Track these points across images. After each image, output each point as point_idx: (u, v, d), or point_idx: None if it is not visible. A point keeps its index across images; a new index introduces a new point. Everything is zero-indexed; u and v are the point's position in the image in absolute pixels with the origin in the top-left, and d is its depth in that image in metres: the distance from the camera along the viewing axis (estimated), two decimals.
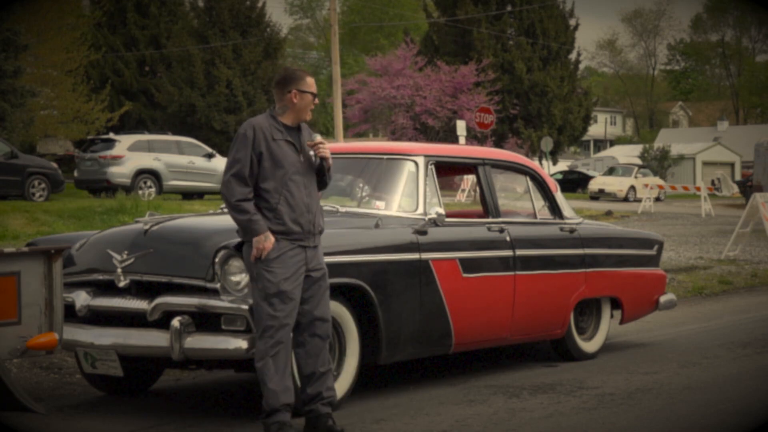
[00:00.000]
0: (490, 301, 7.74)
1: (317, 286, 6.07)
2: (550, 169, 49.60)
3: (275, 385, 5.92)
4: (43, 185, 24.67)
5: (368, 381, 7.41)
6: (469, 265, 7.53)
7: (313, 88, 6.23)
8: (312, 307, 6.04)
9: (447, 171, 8.51)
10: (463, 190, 34.15)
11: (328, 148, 6.19)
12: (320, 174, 6.21)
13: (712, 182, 51.97)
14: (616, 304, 9.07)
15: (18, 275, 5.38)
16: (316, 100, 6.27)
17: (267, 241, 5.93)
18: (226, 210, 6.33)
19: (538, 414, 6.66)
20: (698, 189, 37.39)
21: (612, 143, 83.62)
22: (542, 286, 8.19)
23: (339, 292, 6.62)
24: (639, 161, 56.17)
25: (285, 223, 5.98)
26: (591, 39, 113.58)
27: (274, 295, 5.90)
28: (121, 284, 6.57)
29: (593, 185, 44.77)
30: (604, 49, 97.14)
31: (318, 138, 6.16)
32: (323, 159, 6.14)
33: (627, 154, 60.18)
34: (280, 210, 5.98)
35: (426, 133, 41.93)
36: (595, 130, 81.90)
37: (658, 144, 64.31)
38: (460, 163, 8.34)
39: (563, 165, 59.21)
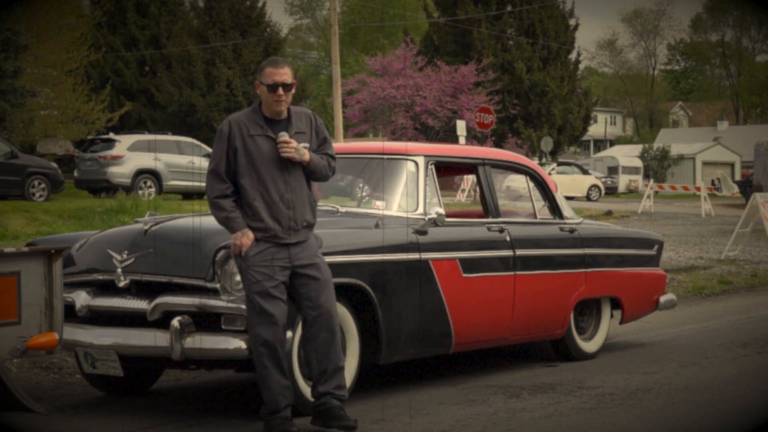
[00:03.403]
0: (490, 301, 7.74)
1: (313, 281, 6.00)
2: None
3: (273, 382, 5.92)
4: (43, 185, 24.67)
5: (368, 381, 7.41)
6: (469, 265, 7.53)
7: (272, 79, 5.96)
8: (312, 302, 6.00)
9: (447, 171, 8.51)
10: (463, 190, 34.15)
11: (293, 146, 5.95)
12: (305, 169, 6.07)
13: (712, 182, 51.96)
14: (616, 304, 9.07)
15: (18, 275, 5.39)
16: (280, 91, 5.96)
17: (244, 237, 5.92)
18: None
19: (538, 414, 6.66)
20: (698, 189, 37.38)
21: (612, 143, 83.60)
22: (542, 286, 8.19)
23: (339, 292, 6.61)
24: (639, 161, 56.14)
25: (262, 219, 5.95)
26: (591, 39, 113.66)
27: (257, 294, 5.89)
28: (121, 284, 6.57)
29: (507, 182, 44.19)
30: (604, 49, 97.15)
31: (283, 136, 5.97)
32: (290, 159, 5.95)
33: (627, 154, 60.14)
34: (256, 206, 5.95)
35: (426, 133, 41.93)
36: (595, 130, 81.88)
37: (658, 144, 64.30)
38: (460, 163, 8.34)
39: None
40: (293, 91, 6.11)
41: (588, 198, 42.28)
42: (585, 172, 46.17)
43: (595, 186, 44.02)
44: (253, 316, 5.93)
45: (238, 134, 6.00)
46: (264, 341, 5.90)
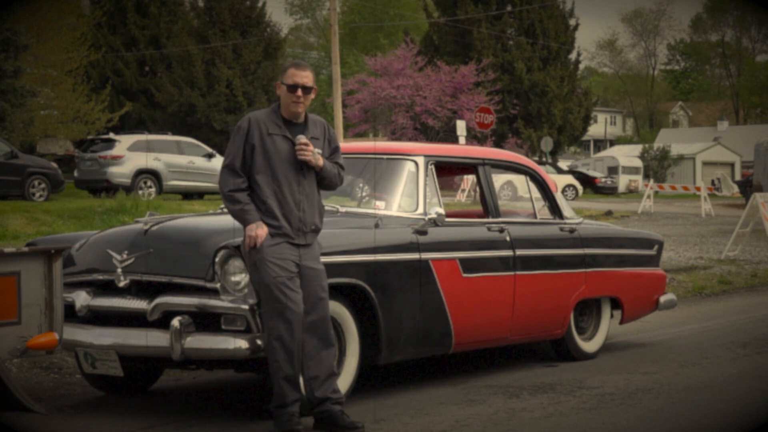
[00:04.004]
0: (490, 301, 7.74)
1: (312, 286, 6.02)
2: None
3: (284, 374, 5.91)
4: (43, 185, 24.67)
5: (368, 381, 7.41)
6: (469, 265, 7.53)
7: (292, 80, 6.07)
8: (308, 308, 6.00)
9: (447, 171, 8.51)
10: (463, 190, 34.15)
11: (311, 150, 6.03)
12: (317, 173, 6.15)
13: (712, 182, 51.98)
14: (616, 304, 9.07)
15: (18, 275, 5.38)
16: (299, 92, 6.07)
17: (259, 228, 5.95)
18: (225, 209, 6.34)
19: (538, 414, 6.66)
20: (698, 189, 37.38)
21: (612, 143, 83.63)
22: (542, 286, 8.19)
23: (339, 292, 6.62)
24: (639, 161, 56.15)
25: (276, 217, 5.99)
26: (591, 39, 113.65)
27: (275, 286, 5.89)
28: (121, 284, 6.57)
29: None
30: (604, 49, 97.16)
31: (302, 139, 6.04)
32: (307, 162, 6.03)
33: (627, 154, 60.17)
34: (269, 203, 6.00)
35: (426, 133, 41.94)
36: (595, 130, 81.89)
37: (658, 144, 64.31)
38: (460, 163, 8.34)
39: (563, 165, 59.21)
40: (312, 95, 6.19)
41: (563, 192, 42.13)
42: (561, 171, 46.08)
43: (571, 185, 43.80)
44: (269, 310, 5.93)
45: (257, 131, 6.04)
46: (278, 335, 5.91)
